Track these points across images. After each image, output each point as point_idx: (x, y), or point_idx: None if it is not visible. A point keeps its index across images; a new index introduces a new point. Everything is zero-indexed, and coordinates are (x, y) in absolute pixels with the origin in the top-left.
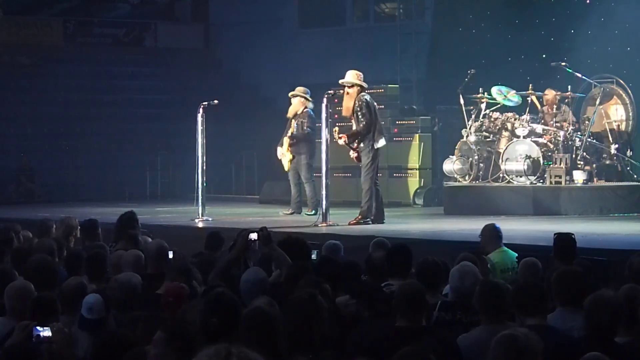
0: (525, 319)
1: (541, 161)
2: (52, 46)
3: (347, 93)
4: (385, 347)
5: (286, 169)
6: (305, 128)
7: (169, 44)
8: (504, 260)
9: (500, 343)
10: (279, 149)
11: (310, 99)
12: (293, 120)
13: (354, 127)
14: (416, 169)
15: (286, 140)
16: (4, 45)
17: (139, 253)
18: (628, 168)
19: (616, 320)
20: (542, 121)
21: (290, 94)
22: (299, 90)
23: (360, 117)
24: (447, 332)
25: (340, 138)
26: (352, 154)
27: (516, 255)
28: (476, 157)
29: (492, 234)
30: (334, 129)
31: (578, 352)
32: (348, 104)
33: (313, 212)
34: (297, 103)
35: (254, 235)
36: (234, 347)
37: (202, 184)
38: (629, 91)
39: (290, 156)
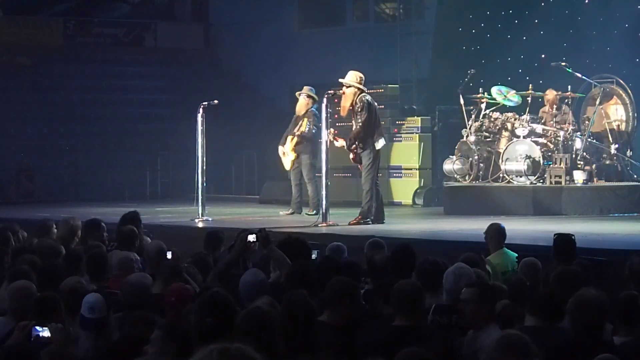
0: (528, 321)
1: (541, 161)
2: (52, 46)
3: (344, 93)
4: (384, 346)
5: (287, 168)
6: (312, 127)
7: (169, 44)
8: (504, 262)
9: (502, 344)
10: (280, 147)
11: (316, 97)
12: (306, 119)
13: (354, 128)
14: (416, 169)
15: (290, 139)
16: (4, 45)
17: (128, 255)
18: (628, 168)
19: (601, 319)
20: (542, 121)
21: (297, 93)
22: (307, 89)
23: (358, 117)
24: (444, 333)
25: (336, 140)
26: (350, 155)
27: (516, 255)
28: (476, 157)
29: (493, 234)
30: (329, 131)
31: (570, 353)
32: (345, 103)
33: (314, 212)
34: (309, 101)
35: (252, 237)
36: (232, 346)
37: (202, 184)
38: (629, 91)
39: (293, 156)
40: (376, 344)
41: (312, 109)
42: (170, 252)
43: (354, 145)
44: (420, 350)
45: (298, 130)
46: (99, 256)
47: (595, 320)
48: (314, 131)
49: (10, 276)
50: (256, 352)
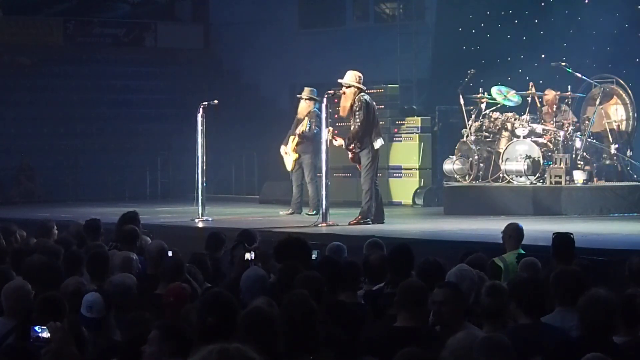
0: (519, 318)
1: (541, 161)
2: (52, 46)
3: (344, 93)
4: (384, 347)
5: (289, 168)
6: (313, 128)
7: (169, 44)
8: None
9: (485, 346)
10: (282, 147)
11: (317, 98)
12: (306, 119)
13: (352, 128)
14: (416, 169)
15: (291, 139)
16: (4, 45)
17: (128, 255)
18: (628, 168)
19: (611, 319)
20: (542, 121)
21: (298, 96)
22: (308, 91)
23: (356, 116)
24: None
25: (335, 139)
26: (349, 155)
27: (517, 254)
28: (476, 157)
29: (512, 234)
30: (328, 129)
31: (577, 352)
32: (345, 103)
33: (314, 212)
34: (310, 103)
35: (250, 255)
36: (231, 346)
37: (202, 184)
38: (629, 91)
39: (295, 155)
40: (376, 344)
41: (315, 109)
42: (171, 253)
43: (352, 145)
44: (419, 351)
45: (299, 130)
46: (100, 256)
47: (605, 320)
48: (315, 131)
49: None
50: (256, 352)
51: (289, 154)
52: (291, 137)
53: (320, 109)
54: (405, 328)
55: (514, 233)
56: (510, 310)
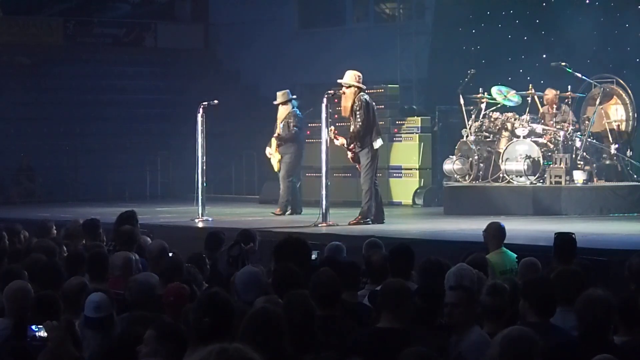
0: (529, 317)
1: (541, 161)
2: (52, 46)
3: (344, 93)
4: (365, 349)
5: (276, 169)
6: (291, 128)
7: (169, 44)
8: (503, 262)
9: (508, 339)
10: (267, 149)
11: (294, 96)
12: (278, 122)
13: (352, 128)
14: (416, 169)
15: (274, 141)
16: (4, 45)
17: (128, 255)
18: (628, 168)
19: (608, 318)
20: (542, 121)
21: (275, 103)
22: (282, 95)
23: (357, 116)
24: (431, 335)
25: (336, 138)
26: (349, 155)
27: (516, 256)
28: (476, 157)
29: (495, 233)
30: (330, 129)
31: (576, 352)
32: (346, 103)
33: (281, 212)
34: (287, 107)
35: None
36: (231, 346)
37: (202, 184)
38: (629, 91)
39: (279, 156)
40: (359, 346)
41: (294, 109)
42: (170, 255)
43: (353, 145)
44: (424, 350)
45: (275, 133)
46: (100, 256)
47: (603, 320)
48: (294, 131)
49: (2, 276)
50: (255, 352)
51: (273, 155)
52: (272, 139)
53: (300, 108)
54: (387, 329)
55: (496, 233)
56: (520, 308)
